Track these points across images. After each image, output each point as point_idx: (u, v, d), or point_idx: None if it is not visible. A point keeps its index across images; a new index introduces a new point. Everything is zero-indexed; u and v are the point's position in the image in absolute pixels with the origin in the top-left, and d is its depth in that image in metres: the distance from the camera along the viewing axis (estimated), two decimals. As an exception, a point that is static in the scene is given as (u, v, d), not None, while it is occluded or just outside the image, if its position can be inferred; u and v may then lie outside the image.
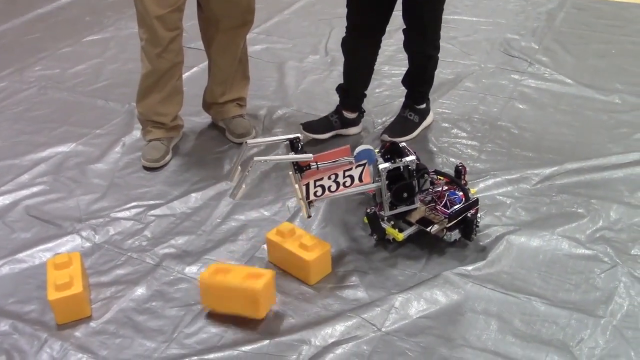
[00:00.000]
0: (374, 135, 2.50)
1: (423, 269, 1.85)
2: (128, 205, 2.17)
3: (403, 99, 2.50)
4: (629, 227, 1.97)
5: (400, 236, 1.88)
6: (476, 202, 1.90)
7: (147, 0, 2.12)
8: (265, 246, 1.94)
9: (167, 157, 2.39)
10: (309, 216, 1.86)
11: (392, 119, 2.53)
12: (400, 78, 2.49)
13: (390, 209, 1.90)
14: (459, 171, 1.99)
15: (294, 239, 1.84)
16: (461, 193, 1.91)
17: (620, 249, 1.88)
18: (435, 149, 2.39)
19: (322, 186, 1.82)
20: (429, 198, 1.93)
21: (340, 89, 2.48)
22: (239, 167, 1.81)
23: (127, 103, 2.78)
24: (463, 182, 1.98)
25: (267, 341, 1.65)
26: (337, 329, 1.66)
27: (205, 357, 1.62)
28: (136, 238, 2.03)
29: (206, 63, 2.52)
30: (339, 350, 1.61)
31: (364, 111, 2.52)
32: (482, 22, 3.44)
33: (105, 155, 2.45)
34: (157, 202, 2.18)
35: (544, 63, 2.97)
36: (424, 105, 2.46)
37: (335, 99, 2.57)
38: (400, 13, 2.24)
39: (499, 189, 2.15)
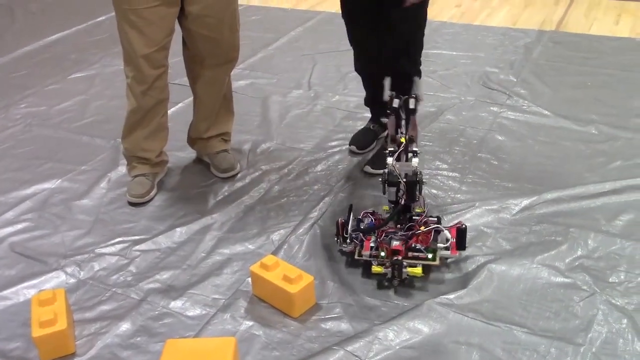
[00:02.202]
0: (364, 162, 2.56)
1: (406, 299, 1.87)
2: (113, 241, 2.18)
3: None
4: (607, 255, 2.01)
5: (419, 270, 1.89)
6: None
7: (134, 39, 2.17)
8: (249, 279, 1.96)
9: (152, 193, 2.41)
10: None
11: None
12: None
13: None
14: (462, 231, 1.96)
15: (278, 272, 1.86)
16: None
17: (599, 277, 1.92)
18: (417, 181, 2.43)
19: None
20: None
21: (368, 102, 2.68)
22: None
23: (113, 139, 2.81)
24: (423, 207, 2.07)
25: (252, 375, 1.66)
26: (321, 361, 1.68)
27: (190, 392, 1.62)
28: (121, 273, 2.04)
29: (191, 99, 2.56)
30: (324, 383, 1.63)
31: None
32: (462, 56, 3.52)
33: (91, 191, 2.47)
34: (142, 237, 2.20)
35: (522, 95, 3.04)
36: None
37: (318, 132, 2.65)
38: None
39: (479, 219, 2.19)
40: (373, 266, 1.91)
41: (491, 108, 2.94)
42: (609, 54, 3.47)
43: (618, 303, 1.82)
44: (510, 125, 2.79)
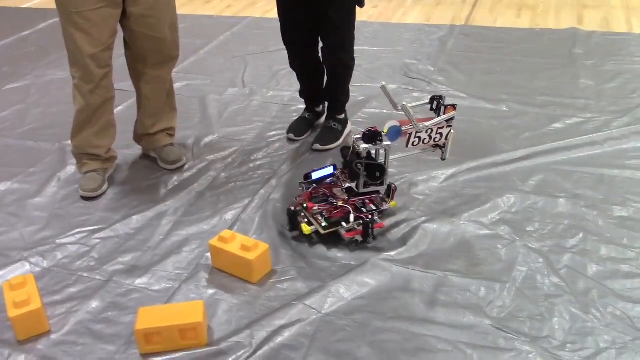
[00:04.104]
0: (303, 147, 2.77)
1: (352, 259, 2.08)
2: (72, 232, 2.29)
3: None
4: (523, 209, 2.29)
5: (308, 230, 2.13)
6: None
7: (80, 41, 2.29)
8: (208, 254, 2.12)
9: (104, 187, 2.53)
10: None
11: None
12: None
13: (364, 186, 2.20)
14: (390, 189, 2.24)
15: (235, 243, 2.03)
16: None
17: (517, 227, 2.19)
18: (352, 160, 2.66)
19: (419, 137, 2.20)
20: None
21: (302, 94, 2.92)
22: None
23: (57, 142, 2.90)
24: (390, 199, 2.25)
25: (220, 336, 1.82)
26: (282, 316, 1.85)
27: (163, 357, 1.75)
28: (84, 260, 2.15)
29: (130, 101, 2.70)
30: (287, 333, 1.80)
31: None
32: (383, 51, 3.80)
33: (43, 190, 2.55)
34: (100, 226, 2.31)
35: (440, 82, 3.34)
36: (343, 115, 2.81)
37: (258, 124, 2.84)
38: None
39: (412, 189, 2.44)
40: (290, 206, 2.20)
41: (413, 94, 3.22)
42: (514, 43, 3.84)
43: (534, 247, 2.10)
44: (432, 108, 3.06)
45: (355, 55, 2.74)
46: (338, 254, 2.11)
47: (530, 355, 1.70)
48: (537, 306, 1.86)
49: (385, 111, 3.06)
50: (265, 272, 2.04)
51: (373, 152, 2.21)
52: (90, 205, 2.45)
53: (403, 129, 2.17)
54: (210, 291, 1.99)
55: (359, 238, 2.14)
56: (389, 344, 1.76)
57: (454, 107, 2.25)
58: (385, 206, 2.23)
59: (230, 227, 2.27)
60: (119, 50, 2.47)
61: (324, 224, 2.14)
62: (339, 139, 2.77)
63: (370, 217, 2.14)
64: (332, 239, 2.15)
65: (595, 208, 2.28)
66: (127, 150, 2.80)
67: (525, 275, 1.98)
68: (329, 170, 2.31)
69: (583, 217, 2.23)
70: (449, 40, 3.93)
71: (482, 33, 4.03)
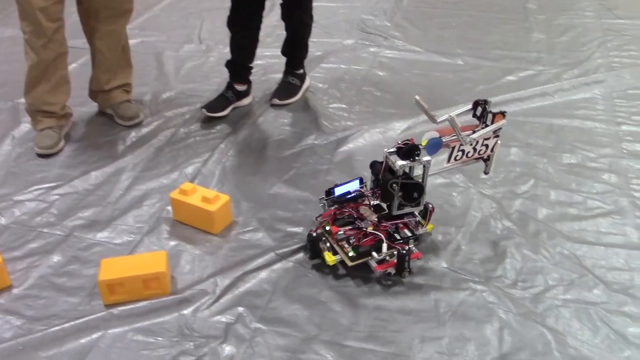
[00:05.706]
0: (262, 102, 2.78)
1: (313, 210, 2.12)
2: (29, 189, 2.26)
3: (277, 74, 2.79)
4: (477, 158, 2.36)
5: (333, 260, 1.85)
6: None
7: (30, -7, 2.23)
8: (169, 208, 2.13)
9: (61, 144, 2.49)
10: None
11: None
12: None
13: (398, 208, 1.87)
14: (427, 210, 1.93)
15: (196, 195, 2.05)
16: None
17: (472, 176, 2.26)
18: (312, 113, 2.68)
19: (463, 151, 1.92)
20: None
21: (229, 65, 2.72)
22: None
23: (10, 100, 2.83)
24: (426, 221, 1.95)
25: (184, 285, 1.84)
26: (245, 265, 1.89)
27: (127, 306, 1.77)
28: (43, 215, 2.14)
29: (84, 59, 2.64)
30: (250, 281, 1.84)
31: (251, 82, 2.78)
32: (340, 7, 3.80)
33: (-4, 149, 2.51)
34: (58, 183, 2.29)
35: (396, 37, 3.37)
36: (301, 71, 2.81)
37: (215, 80, 2.80)
38: None
39: (370, 139, 2.48)
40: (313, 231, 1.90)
41: (370, 49, 3.24)
42: (468, -1, 3.88)
43: (488, 193, 2.17)
44: (389, 63, 3.10)
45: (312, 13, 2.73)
46: (299, 205, 2.15)
47: (483, 294, 1.78)
48: (491, 249, 1.94)
49: (342, 66, 3.08)
50: (227, 223, 2.07)
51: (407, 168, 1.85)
52: (46, 162, 2.42)
53: (444, 140, 1.88)
54: (172, 243, 2.01)
55: (392, 271, 1.84)
56: (349, 288, 1.82)
57: (503, 114, 1.93)
58: (421, 230, 1.93)
59: (191, 181, 2.28)
60: (70, 7, 2.42)
61: (351, 253, 1.82)
62: (297, 93, 2.79)
63: (406, 248, 1.83)
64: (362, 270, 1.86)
65: (545, 156, 2.37)
66: (82, 107, 2.76)
67: (479, 220, 2.06)
68: (354, 184, 2.00)
69: (534, 165, 2.32)
70: (405, -4, 3.95)
71: (437, -11, 4.06)
